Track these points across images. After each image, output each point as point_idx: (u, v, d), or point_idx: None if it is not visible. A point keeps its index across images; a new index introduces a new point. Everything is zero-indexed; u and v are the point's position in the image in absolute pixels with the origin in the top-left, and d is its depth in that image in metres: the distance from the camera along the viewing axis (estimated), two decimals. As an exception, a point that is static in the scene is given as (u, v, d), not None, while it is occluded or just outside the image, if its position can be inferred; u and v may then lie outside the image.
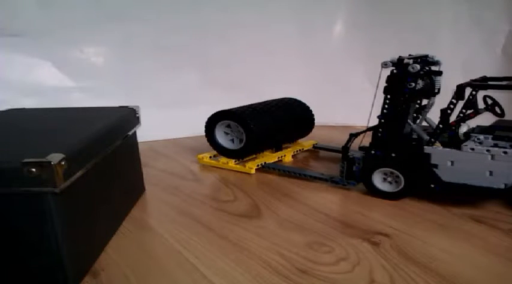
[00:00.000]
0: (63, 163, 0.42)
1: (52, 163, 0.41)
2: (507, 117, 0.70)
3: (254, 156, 0.92)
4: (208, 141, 0.91)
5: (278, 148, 0.96)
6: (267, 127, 0.87)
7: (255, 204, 0.69)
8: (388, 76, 0.68)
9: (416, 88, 0.67)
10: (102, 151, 0.54)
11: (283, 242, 0.55)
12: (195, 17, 1.16)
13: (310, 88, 1.23)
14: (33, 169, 0.40)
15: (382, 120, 0.70)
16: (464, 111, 0.65)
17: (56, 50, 1.06)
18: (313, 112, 1.01)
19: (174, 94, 1.17)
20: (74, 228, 0.47)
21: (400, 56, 0.67)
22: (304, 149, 0.99)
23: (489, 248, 0.53)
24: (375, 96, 0.70)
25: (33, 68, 1.05)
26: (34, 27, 1.02)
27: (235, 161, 0.89)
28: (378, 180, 0.70)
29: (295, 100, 1.01)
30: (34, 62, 1.05)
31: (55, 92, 1.06)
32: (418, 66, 0.65)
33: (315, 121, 1.02)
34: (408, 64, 0.66)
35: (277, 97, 1.02)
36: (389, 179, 0.70)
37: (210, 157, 0.93)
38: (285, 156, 0.93)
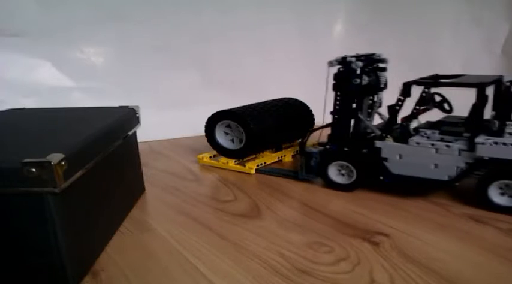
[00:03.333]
0: (63, 163, 0.42)
1: (52, 163, 0.41)
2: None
3: (254, 156, 0.92)
4: (208, 141, 0.91)
5: (278, 148, 0.96)
6: (267, 127, 0.87)
7: (255, 204, 0.69)
8: (335, 74, 0.72)
9: (362, 84, 0.70)
10: (102, 151, 0.54)
11: (283, 242, 0.55)
12: (195, 17, 1.16)
13: (310, 88, 1.22)
14: (33, 169, 0.40)
15: (336, 116, 0.73)
16: (418, 107, 0.68)
17: (56, 50, 1.06)
18: (313, 112, 1.01)
19: (174, 94, 1.17)
20: (74, 228, 0.47)
21: (345, 55, 0.70)
22: (304, 149, 0.99)
23: (489, 248, 0.53)
24: (326, 93, 0.73)
25: (33, 68, 1.05)
26: (34, 27, 1.02)
27: (235, 161, 0.89)
28: (333, 172, 0.74)
29: (295, 100, 1.01)
30: (34, 62, 1.05)
31: (55, 92, 1.06)
32: (360, 63, 0.69)
33: (315, 121, 1.01)
34: (351, 62, 0.69)
35: (277, 97, 1.02)
36: (343, 172, 0.73)
37: (210, 157, 0.93)
38: (285, 156, 0.93)
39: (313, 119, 1.01)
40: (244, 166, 0.86)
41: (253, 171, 0.84)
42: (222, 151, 0.91)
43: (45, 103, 0.99)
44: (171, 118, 1.16)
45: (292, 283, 0.46)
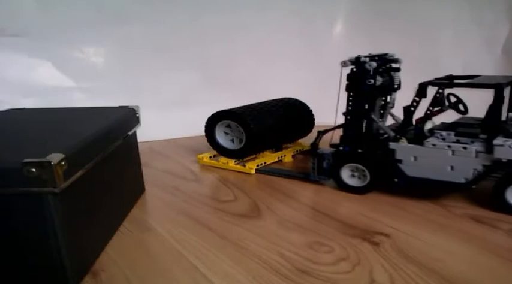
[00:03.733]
0: (63, 163, 0.42)
1: (52, 163, 0.40)
2: (476, 115, 0.70)
3: (254, 156, 0.92)
4: (208, 141, 0.91)
5: (278, 148, 0.96)
6: (267, 127, 0.87)
7: (255, 204, 0.69)
8: (348, 75, 0.71)
9: (376, 85, 0.69)
10: (102, 151, 0.54)
11: (283, 242, 0.55)
12: (195, 17, 1.15)
13: (310, 88, 1.23)
14: (33, 169, 0.40)
15: (348, 117, 0.73)
16: (431, 108, 0.67)
17: (56, 50, 1.06)
18: (313, 112, 1.01)
19: (174, 94, 1.17)
20: (74, 228, 0.47)
21: (358, 55, 0.69)
22: (304, 149, 0.99)
23: (489, 249, 0.53)
24: (339, 94, 0.72)
25: (33, 68, 1.05)
26: (34, 27, 1.02)
27: (235, 161, 0.89)
28: (346, 175, 0.73)
29: (295, 100, 1.01)
30: (34, 62, 1.05)
31: (55, 92, 1.06)
32: (374, 64, 0.68)
33: (315, 121, 1.01)
34: (365, 62, 0.68)
35: (277, 97, 1.02)
36: (356, 174, 0.73)
37: (210, 157, 0.93)
38: (285, 156, 0.93)
39: (313, 119, 1.01)
40: (244, 166, 0.86)
41: (253, 171, 0.84)
42: (222, 151, 0.91)
43: (45, 103, 0.99)
44: (171, 118, 1.16)
45: (292, 283, 0.46)
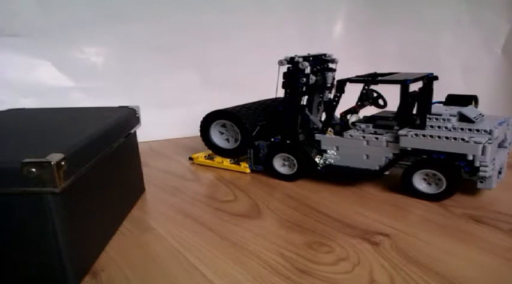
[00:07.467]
0: (63, 163, 0.42)
1: (52, 163, 0.40)
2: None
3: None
4: (203, 140, 0.92)
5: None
6: (262, 126, 0.87)
7: (255, 204, 0.69)
8: (284, 73, 0.76)
9: (310, 83, 0.75)
10: (102, 151, 0.54)
11: (283, 242, 0.55)
12: (195, 17, 1.16)
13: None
14: (33, 169, 0.40)
15: (282, 111, 0.78)
16: (359, 103, 0.76)
17: (56, 50, 1.06)
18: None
19: (174, 94, 1.17)
20: (74, 228, 0.47)
21: (296, 55, 0.74)
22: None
23: (489, 248, 0.53)
24: (276, 90, 0.77)
25: (33, 68, 1.05)
26: (34, 27, 1.02)
27: (230, 160, 0.89)
28: (278, 164, 0.80)
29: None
30: (34, 62, 1.05)
31: (55, 92, 1.06)
32: (307, 64, 0.73)
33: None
34: (299, 62, 0.73)
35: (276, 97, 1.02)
36: (287, 163, 0.79)
37: (205, 156, 0.93)
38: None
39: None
40: (239, 165, 0.86)
41: (248, 170, 0.85)
42: (217, 150, 0.91)
43: (45, 103, 0.99)
44: (171, 118, 1.16)
45: (292, 283, 0.46)
